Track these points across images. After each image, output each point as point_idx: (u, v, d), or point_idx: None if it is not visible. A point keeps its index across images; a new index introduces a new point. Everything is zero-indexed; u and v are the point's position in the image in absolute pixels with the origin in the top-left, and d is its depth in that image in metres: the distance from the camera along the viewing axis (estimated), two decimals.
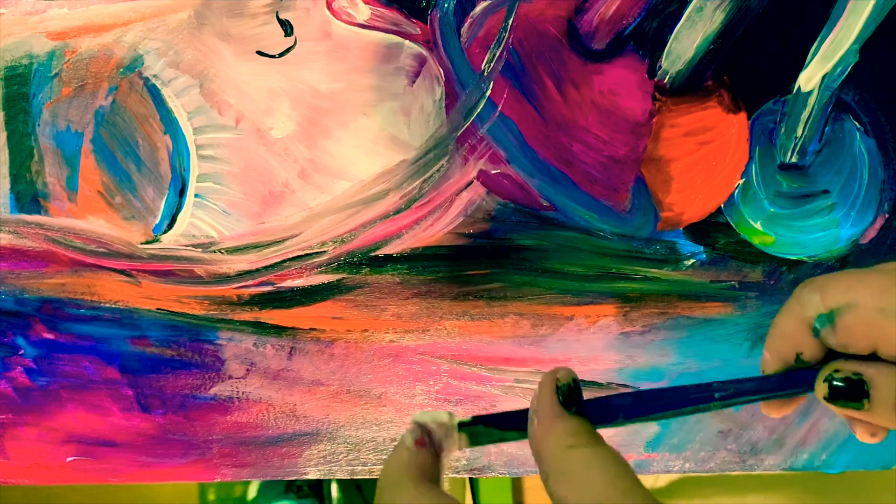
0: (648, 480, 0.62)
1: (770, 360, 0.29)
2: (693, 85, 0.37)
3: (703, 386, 0.29)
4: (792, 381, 0.29)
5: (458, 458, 0.41)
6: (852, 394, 0.26)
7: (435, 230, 0.39)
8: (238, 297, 0.39)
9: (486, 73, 0.37)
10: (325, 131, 0.37)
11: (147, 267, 0.39)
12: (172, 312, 0.39)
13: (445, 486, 0.28)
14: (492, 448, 0.41)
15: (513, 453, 0.41)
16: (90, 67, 0.37)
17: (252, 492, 0.88)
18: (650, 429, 0.42)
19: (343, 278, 0.39)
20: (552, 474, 0.26)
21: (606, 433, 0.27)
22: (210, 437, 0.41)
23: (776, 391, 0.29)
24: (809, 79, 0.37)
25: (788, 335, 0.28)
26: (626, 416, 0.28)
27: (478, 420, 0.28)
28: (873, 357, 0.26)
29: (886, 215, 0.39)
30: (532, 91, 0.37)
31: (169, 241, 0.38)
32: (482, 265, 0.39)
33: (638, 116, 0.38)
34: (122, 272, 0.39)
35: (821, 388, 0.27)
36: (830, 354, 0.27)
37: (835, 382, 0.27)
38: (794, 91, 0.38)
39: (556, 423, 0.27)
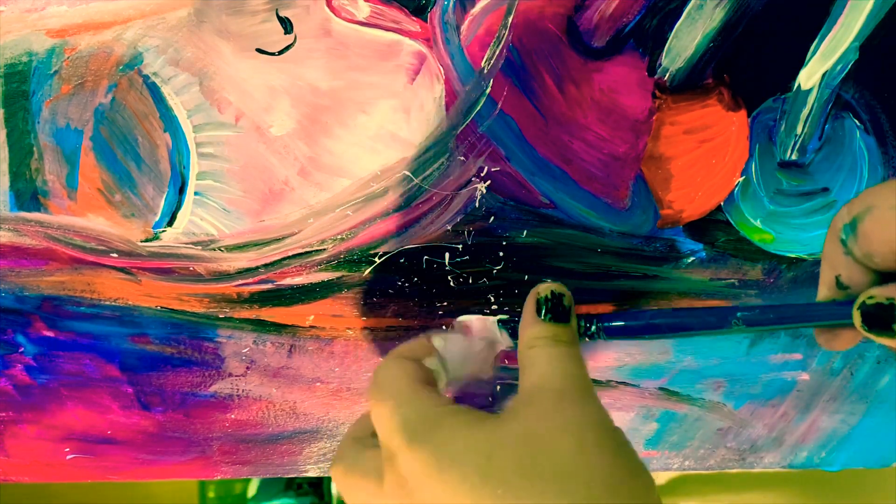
0: None
1: (819, 290, 0.28)
2: (693, 82, 0.37)
3: (724, 308, 0.29)
4: (823, 311, 0.27)
5: None
6: (883, 320, 0.25)
7: (434, 228, 0.39)
8: (238, 294, 0.39)
9: (485, 71, 0.37)
10: (324, 129, 0.37)
11: (147, 265, 0.39)
12: (172, 310, 0.39)
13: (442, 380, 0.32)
14: None
15: None
16: (90, 65, 0.37)
17: (252, 490, 0.88)
18: (650, 426, 0.42)
19: (343, 276, 0.39)
20: (519, 371, 0.30)
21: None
22: (210, 435, 0.41)
23: (804, 320, 0.28)
24: (809, 76, 0.37)
25: (826, 257, 0.28)
26: (641, 334, 0.31)
27: (514, 319, 0.32)
28: None
29: None
30: (532, 89, 0.37)
31: (169, 238, 0.38)
32: (482, 263, 0.39)
33: (638, 114, 0.38)
34: (122, 270, 0.39)
35: (856, 317, 0.26)
36: (876, 281, 0.26)
37: (866, 309, 0.25)
38: (794, 89, 0.38)
39: (526, 329, 0.30)
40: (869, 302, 0.25)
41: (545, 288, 0.31)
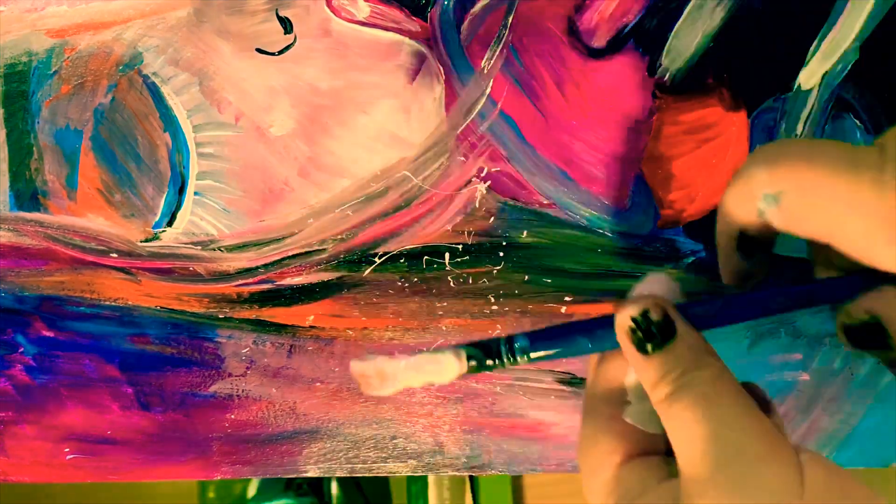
0: None
1: (720, 238, 0.26)
2: (693, 83, 0.37)
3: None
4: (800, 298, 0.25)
5: (458, 457, 0.41)
6: (874, 339, 0.23)
7: (434, 228, 0.38)
8: (238, 294, 0.39)
9: (485, 71, 0.37)
10: (324, 129, 0.37)
11: (147, 265, 0.39)
12: (172, 310, 0.39)
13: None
14: (491, 446, 0.41)
15: (513, 451, 0.41)
16: (89, 65, 0.37)
17: (252, 490, 0.88)
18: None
19: (343, 276, 0.39)
20: (669, 434, 0.22)
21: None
22: (210, 435, 0.41)
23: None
24: (810, 77, 0.37)
25: (729, 210, 0.25)
26: (719, 322, 0.25)
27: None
28: (880, 281, 0.23)
29: None
30: (532, 89, 0.37)
31: (168, 238, 0.38)
32: (482, 263, 0.39)
33: (638, 114, 0.38)
34: (121, 270, 0.39)
35: (842, 338, 0.24)
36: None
37: (850, 330, 0.23)
38: (795, 89, 0.38)
39: (645, 380, 0.23)
40: (849, 322, 0.23)
41: (636, 309, 0.24)
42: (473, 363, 0.26)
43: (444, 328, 0.39)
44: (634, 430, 0.24)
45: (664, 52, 0.37)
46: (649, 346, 0.23)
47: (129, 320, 0.39)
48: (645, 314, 0.23)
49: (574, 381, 0.41)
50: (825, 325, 0.40)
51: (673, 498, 0.21)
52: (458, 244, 0.39)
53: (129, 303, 0.39)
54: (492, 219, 0.38)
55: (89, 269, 0.39)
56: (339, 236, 0.39)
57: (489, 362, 0.26)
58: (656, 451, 0.24)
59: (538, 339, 0.26)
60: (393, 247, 0.39)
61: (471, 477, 0.70)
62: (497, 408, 0.41)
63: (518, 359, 0.26)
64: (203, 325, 0.40)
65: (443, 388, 0.41)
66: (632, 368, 0.25)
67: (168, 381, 0.40)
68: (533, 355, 0.26)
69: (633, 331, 0.23)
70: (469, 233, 0.39)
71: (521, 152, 0.38)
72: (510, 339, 0.26)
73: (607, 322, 0.25)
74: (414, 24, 0.37)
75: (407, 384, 0.26)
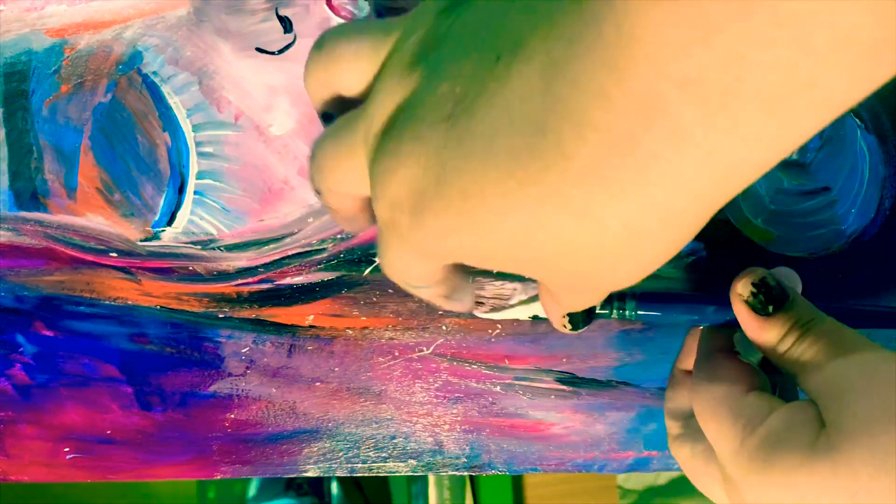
0: (649, 478, 0.62)
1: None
2: None
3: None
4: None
5: (458, 457, 0.41)
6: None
7: None
8: (237, 294, 0.39)
9: None
10: (324, 128, 0.37)
11: (146, 264, 0.39)
12: (172, 310, 0.39)
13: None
14: (491, 446, 0.41)
15: (513, 451, 0.41)
16: (89, 64, 0.37)
17: (252, 490, 0.88)
18: (650, 427, 0.42)
19: (342, 276, 0.39)
20: (824, 399, 0.23)
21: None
22: (209, 435, 0.41)
23: None
24: None
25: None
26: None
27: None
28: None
29: (887, 212, 0.39)
30: None
31: (168, 238, 0.38)
32: None
33: None
34: (121, 269, 0.39)
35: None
36: None
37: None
38: None
39: (765, 333, 0.25)
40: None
41: (751, 278, 0.26)
42: None
43: (444, 328, 0.39)
44: (748, 371, 0.27)
45: None
46: (770, 308, 0.25)
47: (128, 320, 0.39)
48: (762, 281, 0.26)
49: (574, 381, 0.41)
50: None
51: (816, 403, 0.23)
52: None
53: (129, 302, 0.39)
54: None
55: (89, 268, 0.39)
56: (339, 236, 0.38)
57: (597, 309, 0.29)
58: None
59: (646, 301, 0.29)
60: None
61: (471, 477, 0.70)
62: (497, 407, 0.41)
63: (626, 314, 0.29)
64: (203, 324, 0.40)
65: (443, 387, 0.41)
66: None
67: (168, 381, 0.40)
68: (639, 313, 0.29)
69: (753, 295, 0.26)
70: None
71: None
72: (622, 297, 0.29)
73: (712, 299, 0.29)
74: None
75: (515, 316, 0.30)
